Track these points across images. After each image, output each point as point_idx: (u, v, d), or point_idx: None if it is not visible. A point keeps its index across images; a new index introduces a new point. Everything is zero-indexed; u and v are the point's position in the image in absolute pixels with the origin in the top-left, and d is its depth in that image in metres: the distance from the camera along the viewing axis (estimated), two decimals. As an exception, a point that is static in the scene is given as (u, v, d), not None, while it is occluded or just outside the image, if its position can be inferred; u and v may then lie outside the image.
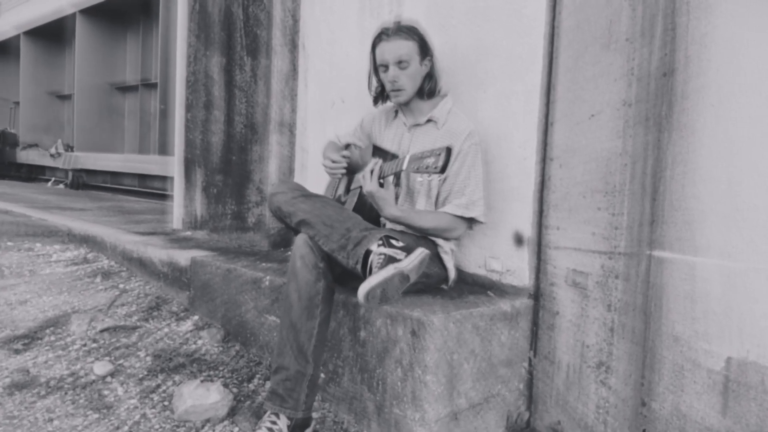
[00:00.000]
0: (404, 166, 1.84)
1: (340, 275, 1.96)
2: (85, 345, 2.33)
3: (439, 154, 1.72)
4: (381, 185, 1.96)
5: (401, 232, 2.10)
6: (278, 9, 2.93)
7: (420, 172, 1.77)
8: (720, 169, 1.83)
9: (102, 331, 2.42)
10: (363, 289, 1.62)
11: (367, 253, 1.77)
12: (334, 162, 2.22)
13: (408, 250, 1.76)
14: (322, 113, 2.94)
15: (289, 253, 2.99)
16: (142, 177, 7.11)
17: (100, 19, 8.23)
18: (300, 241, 1.92)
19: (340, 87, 2.83)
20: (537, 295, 2.14)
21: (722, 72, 1.82)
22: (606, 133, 1.94)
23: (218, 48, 3.28)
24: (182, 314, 2.71)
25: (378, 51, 2.11)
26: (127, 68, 8.48)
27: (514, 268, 2.18)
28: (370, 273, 1.73)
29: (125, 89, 8.45)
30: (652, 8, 1.90)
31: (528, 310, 2.12)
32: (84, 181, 8.24)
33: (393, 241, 1.79)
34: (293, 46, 3.03)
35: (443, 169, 1.71)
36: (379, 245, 1.76)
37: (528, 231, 2.13)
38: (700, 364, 1.89)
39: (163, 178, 6.51)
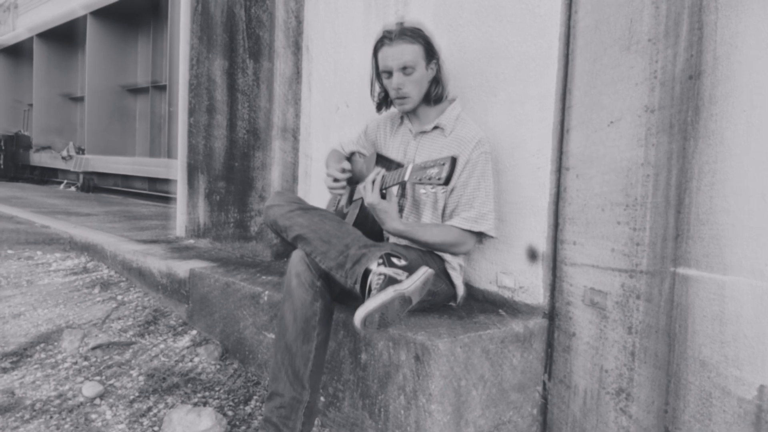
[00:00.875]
0: (406, 177, 1.70)
1: (340, 294, 1.83)
2: (75, 363, 2.23)
3: (443, 165, 1.58)
4: (383, 196, 1.83)
5: (406, 246, 1.97)
6: (281, 10, 2.82)
7: (422, 183, 1.63)
8: (753, 180, 1.67)
9: (94, 348, 2.32)
10: (360, 314, 1.49)
11: (367, 272, 1.64)
12: (335, 181, 2.09)
13: (410, 269, 1.62)
14: (326, 119, 2.82)
15: (292, 264, 2.88)
16: (152, 180, 7.05)
17: (110, 20, 8.18)
18: (296, 258, 1.79)
19: (344, 91, 2.71)
20: (552, 314, 2.00)
21: (755, 75, 1.66)
22: (626, 141, 1.79)
23: (220, 50, 3.17)
24: (180, 329, 2.60)
25: (380, 56, 1.98)
26: (138, 70, 8.44)
27: (528, 285, 2.03)
28: (369, 294, 1.61)
29: (136, 91, 8.40)
30: (677, 6, 1.75)
31: (542, 330, 1.98)
32: (95, 184, 8.21)
33: (394, 260, 1.66)
34: (296, 48, 2.91)
35: (447, 181, 1.57)
36: (378, 264, 1.63)
37: (542, 246, 1.99)
38: (729, 392, 1.73)
39: (172, 182, 6.44)
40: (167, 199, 6.50)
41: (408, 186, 2.04)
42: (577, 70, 1.91)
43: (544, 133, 1.97)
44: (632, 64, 1.77)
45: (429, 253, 1.98)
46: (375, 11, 2.53)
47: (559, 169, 1.97)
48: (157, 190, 6.96)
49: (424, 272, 1.60)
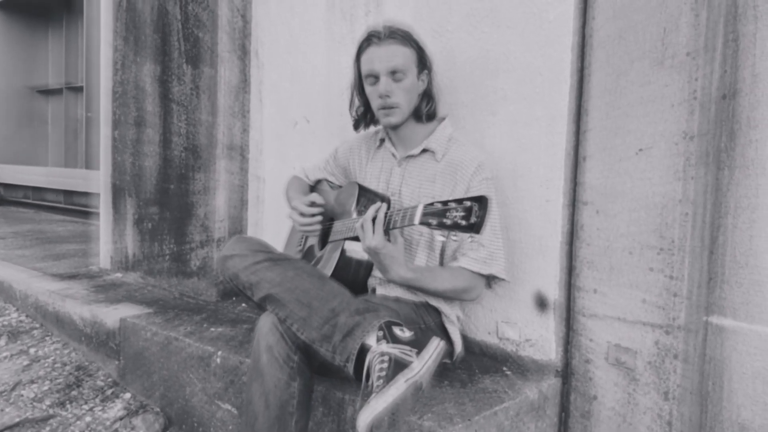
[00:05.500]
0: (416, 220, 1.32)
1: (320, 366, 1.47)
2: (-26, 453, 1.76)
3: (470, 207, 1.19)
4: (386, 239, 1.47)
5: (396, 299, 1.63)
6: (224, 8, 2.40)
7: (441, 228, 1.25)
8: (807, 221, 1.43)
9: (2, 430, 1.84)
10: (365, 418, 1.13)
11: (363, 349, 1.28)
12: (303, 216, 1.71)
13: (417, 344, 1.28)
14: (282, 134, 2.43)
15: (243, 306, 2.47)
16: (68, 193, 6.35)
17: (16, 13, 7.37)
18: (266, 326, 1.41)
19: (304, 103, 2.33)
20: (566, 373, 1.71)
21: (812, 97, 1.42)
22: (660, 173, 1.51)
23: (151, 53, 2.72)
24: (109, 391, 2.15)
25: (365, 58, 1.63)
26: (50, 69, 7.64)
27: (536, 338, 1.73)
28: (367, 378, 1.25)
29: (48, 93, 7.61)
30: (715, 14, 1.49)
31: (556, 393, 1.69)
32: (1, 196, 7.38)
33: (396, 330, 1.31)
34: (243, 52, 2.50)
35: (478, 229, 1.20)
36: (378, 339, 1.28)
37: (554, 292, 1.69)
38: (777, 462, 1.49)
39: (91, 195, 5.80)
40: (86, 214, 5.86)
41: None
42: (595, 88, 1.62)
43: (554, 160, 1.68)
44: (667, 82, 1.49)
45: (423, 306, 1.64)
46: (340, 10, 2.16)
47: (574, 202, 1.68)
48: (73, 204, 6.28)
49: (435, 347, 1.26)
